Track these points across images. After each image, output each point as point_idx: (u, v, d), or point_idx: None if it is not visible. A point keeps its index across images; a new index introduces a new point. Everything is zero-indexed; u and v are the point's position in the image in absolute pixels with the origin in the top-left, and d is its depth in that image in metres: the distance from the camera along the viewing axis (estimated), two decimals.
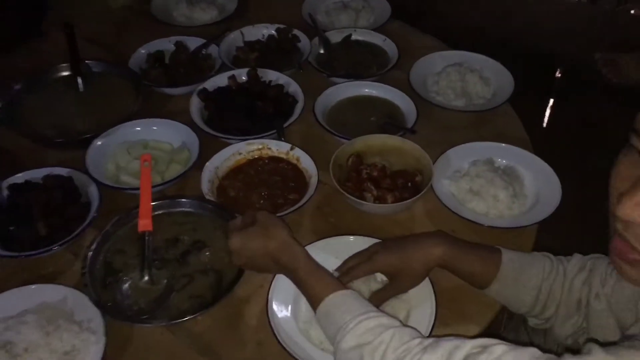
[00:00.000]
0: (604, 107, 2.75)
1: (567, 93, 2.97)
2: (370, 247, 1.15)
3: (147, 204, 1.18)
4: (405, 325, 0.92)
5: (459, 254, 1.07)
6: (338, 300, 0.95)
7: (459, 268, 1.09)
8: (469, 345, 0.80)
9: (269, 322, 1.08)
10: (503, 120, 1.57)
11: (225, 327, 1.13)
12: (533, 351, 0.75)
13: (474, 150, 1.41)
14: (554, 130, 2.76)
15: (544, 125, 2.83)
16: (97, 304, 1.09)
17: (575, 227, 2.11)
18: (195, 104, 1.54)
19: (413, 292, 1.10)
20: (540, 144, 1.50)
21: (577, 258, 1.07)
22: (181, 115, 1.52)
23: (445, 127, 1.54)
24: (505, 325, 1.30)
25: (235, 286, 1.13)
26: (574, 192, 1.33)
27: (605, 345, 0.72)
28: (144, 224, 1.15)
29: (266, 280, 1.19)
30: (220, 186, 1.37)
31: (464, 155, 1.41)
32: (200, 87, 1.56)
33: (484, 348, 0.79)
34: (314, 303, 0.98)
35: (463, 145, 1.42)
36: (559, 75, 3.09)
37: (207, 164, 1.37)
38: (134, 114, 1.52)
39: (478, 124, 1.56)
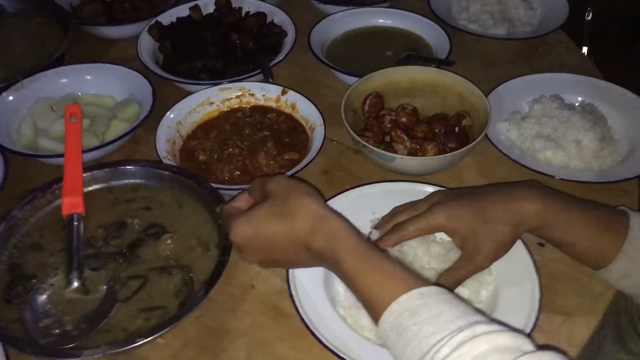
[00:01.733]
0: None
1: None
2: (429, 195, 0.80)
3: (75, 174, 0.85)
4: (541, 348, 0.52)
5: (563, 215, 0.73)
6: (417, 304, 0.58)
7: (561, 235, 0.75)
8: None
9: (298, 312, 0.73)
10: (559, 50, 1.21)
11: (200, 352, 0.75)
12: None
13: (533, 85, 1.05)
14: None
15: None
16: None
17: None
18: (145, 43, 1.17)
19: (502, 263, 0.76)
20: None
21: None
22: (128, 62, 1.15)
23: (485, 61, 1.19)
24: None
25: (213, 289, 0.74)
26: None
27: None
28: (71, 203, 0.82)
29: (259, 277, 0.81)
30: (184, 148, 0.98)
31: (520, 93, 1.05)
32: (152, 21, 1.16)
33: None
34: (374, 308, 0.61)
35: (517, 79, 1.06)
36: None
37: (165, 117, 0.98)
38: (59, 61, 1.12)
39: (527, 56, 1.21)
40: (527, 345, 0.51)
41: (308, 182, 0.77)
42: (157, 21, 1.17)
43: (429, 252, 0.77)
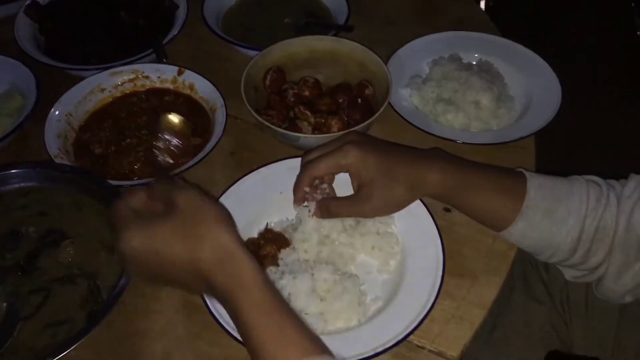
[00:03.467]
0: None
1: None
2: (344, 133, 0.81)
3: None
4: None
5: (465, 182, 0.77)
6: None
7: (464, 201, 0.79)
8: None
9: (207, 307, 0.72)
10: (458, 5, 1.21)
11: (115, 359, 0.73)
12: None
13: (432, 46, 1.06)
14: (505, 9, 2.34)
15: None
16: None
17: (576, 138, 1.76)
18: (22, 26, 1.08)
19: (408, 230, 0.80)
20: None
21: (635, 180, 0.75)
22: (5, 48, 1.05)
23: (385, 21, 1.18)
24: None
25: (123, 293, 0.72)
26: (572, 84, 0.99)
27: None
28: None
29: None
30: (78, 142, 0.92)
31: (420, 55, 1.05)
32: (28, 1, 1.06)
33: None
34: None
35: (416, 40, 1.06)
36: None
37: (52, 110, 0.91)
38: None
39: (426, 13, 1.20)
40: None
41: (221, 204, 0.72)
42: (33, 1, 1.07)
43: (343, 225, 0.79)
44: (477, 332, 0.75)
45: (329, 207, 0.78)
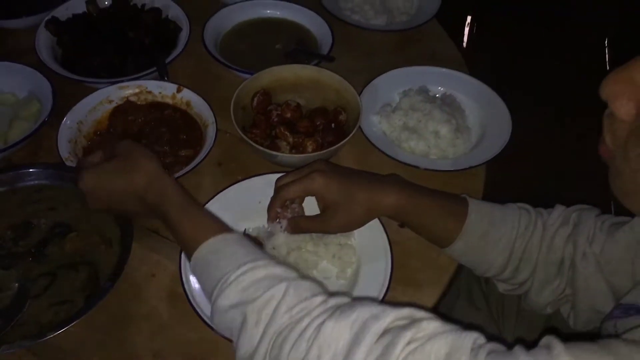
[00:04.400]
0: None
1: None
2: (313, 162, 0.92)
3: None
4: (303, 277, 0.71)
5: (415, 205, 0.87)
6: (219, 246, 0.74)
7: (414, 221, 0.90)
8: (391, 316, 0.60)
9: (186, 296, 0.84)
10: (432, 39, 1.34)
11: (107, 337, 0.85)
12: (475, 336, 0.57)
13: (404, 78, 1.18)
14: (480, 50, 2.56)
15: (464, 44, 2.62)
16: None
17: (526, 163, 1.97)
18: (43, 39, 1.19)
19: (365, 243, 0.93)
20: (472, 66, 1.27)
21: (559, 210, 0.87)
22: (26, 56, 1.18)
23: (366, 52, 1.30)
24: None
25: (118, 280, 0.85)
26: (521, 119, 1.12)
27: (578, 337, 0.56)
28: None
29: (159, 267, 0.92)
30: (87, 147, 1.04)
31: (392, 85, 1.17)
32: (49, 16, 1.19)
33: (412, 322, 0.59)
34: (189, 250, 0.76)
35: (390, 72, 1.18)
36: None
37: (66, 118, 1.03)
38: None
39: (404, 46, 1.32)
40: (291, 274, 0.70)
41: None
42: (53, 17, 1.19)
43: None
44: None
45: (299, 224, 0.90)
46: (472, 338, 0.57)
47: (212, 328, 0.79)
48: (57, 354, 0.82)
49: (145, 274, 0.92)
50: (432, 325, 0.59)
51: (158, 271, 0.92)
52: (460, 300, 1.08)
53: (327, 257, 0.92)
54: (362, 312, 0.61)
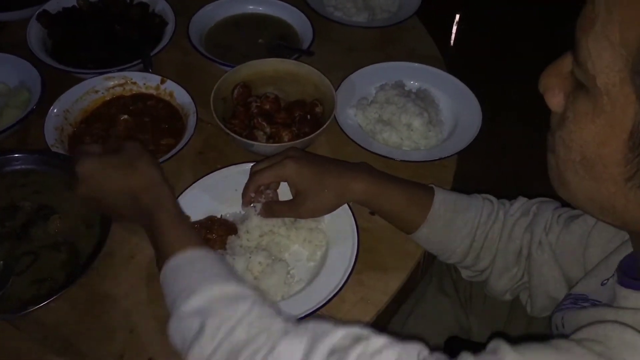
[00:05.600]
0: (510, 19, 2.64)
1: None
2: (286, 149, 0.96)
3: None
4: (269, 301, 0.73)
5: (383, 192, 0.91)
6: (196, 257, 0.75)
7: (381, 207, 0.94)
8: (339, 334, 0.63)
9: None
10: (411, 36, 1.38)
11: (86, 313, 0.90)
12: (419, 348, 0.61)
13: (381, 73, 1.22)
14: (463, 48, 2.61)
15: (452, 42, 2.67)
16: None
17: (494, 154, 2.02)
18: (34, 31, 1.24)
19: (335, 228, 0.96)
20: (451, 62, 1.32)
21: (520, 201, 0.91)
22: (18, 49, 1.22)
23: (346, 48, 1.34)
24: (422, 275, 1.14)
25: (95, 261, 0.89)
26: (492, 114, 1.16)
27: (527, 339, 0.58)
28: None
29: (138, 249, 0.97)
30: (73, 134, 1.09)
31: (370, 79, 1.21)
32: (40, 9, 1.23)
33: (358, 339, 0.63)
34: (166, 255, 0.76)
35: (368, 67, 1.22)
36: None
37: (53, 106, 1.08)
38: None
39: (384, 42, 1.36)
40: (258, 296, 0.72)
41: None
42: (44, 10, 1.24)
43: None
44: (382, 313, 0.92)
45: (272, 208, 0.94)
46: (417, 349, 0.60)
47: None
48: (38, 328, 0.87)
49: (125, 255, 0.96)
50: (380, 340, 0.62)
51: (137, 253, 0.96)
52: (431, 286, 1.12)
53: (298, 241, 0.96)
54: (315, 329, 0.65)
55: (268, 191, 0.96)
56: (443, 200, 0.91)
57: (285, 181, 0.95)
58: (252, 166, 0.97)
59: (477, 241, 0.90)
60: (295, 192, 0.94)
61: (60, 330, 0.87)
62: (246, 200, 0.95)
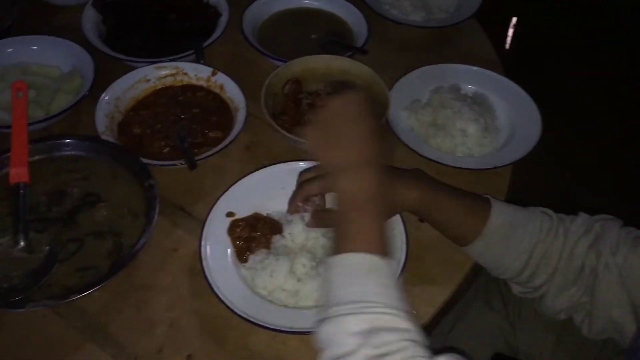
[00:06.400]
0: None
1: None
2: None
3: (21, 146, 0.96)
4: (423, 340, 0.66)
5: (437, 202, 0.87)
6: (379, 267, 0.68)
7: (435, 217, 0.90)
8: None
9: (204, 272, 0.86)
10: (469, 38, 1.34)
11: (126, 304, 0.89)
12: None
13: (437, 75, 1.18)
14: (521, 52, 2.53)
15: (509, 46, 2.59)
16: None
17: (554, 167, 1.95)
18: (89, 16, 1.24)
19: None
20: (509, 67, 1.27)
21: (582, 218, 0.86)
22: (72, 32, 1.22)
23: (401, 47, 1.30)
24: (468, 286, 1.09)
25: (140, 252, 0.88)
26: (551, 123, 1.11)
27: None
28: (18, 173, 0.93)
29: (182, 242, 0.96)
30: (122, 122, 1.08)
31: (424, 81, 1.17)
32: None
33: None
34: (346, 243, 0.70)
35: (423, 68, 1.18)
36: None
37: (104, 94, 1.07)
38: (8, 29, 1.20)
39: (439, 43, 1.32)
40: (419, 336, 0.64)
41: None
42: None
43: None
44: (426, 326, 0.89)
45: (322, 218, 0.90)
46: None
47: (224, 303, 0.82)
48: (79, 316, 0.87)
49: (168, 248, 0.95)
50: None
51: (180, 246, 0.95)
52: (477, 300, 1.08)
53: None
54: None
55: (315, 198, 0.94)
56: (500, 213, 0.87)
57: (334, 192, 0.91)
58: (300, 173, 0.94)
59: (534, 257, 0.85)
60: None
61: (101, 320, 0.87)
62: (293, 209, 0.93)
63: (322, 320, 0.66)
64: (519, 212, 0.88)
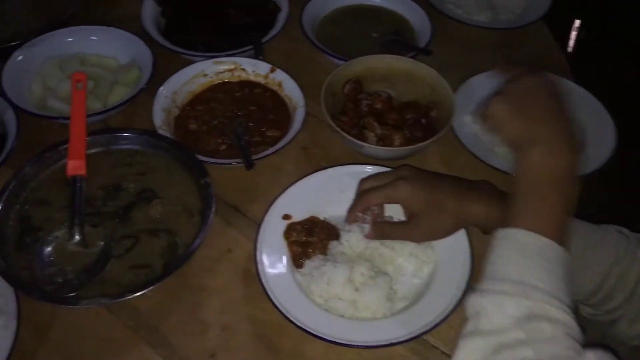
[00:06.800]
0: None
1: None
2: (397, 168, 0.89)
3: (79, 139, 0.95)
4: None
5: (505, 219, 0.81)
6: (554, 250, 0.66)
7: None
8: None
9: (259, 276, 0.84)
10: (536, 41, 1.28)
11: (179, 305, 0.87)
12: None
13: (504, 78, 1.11)
14: (591, 58, 2.42)
15: (578, 51, 2.47)
16: (7, 274, 0.82)
17: (620, 178, 1.84)
18: (148, 8, 1.23)
19: (444, 243, 0.88)
20: (579, 73, 1.20)
21: None
22: (131, 24, 1.21)
23: (465, 48, 1.25)
24: None
25: (195, 251, 0.86)
26: (625, 134, 1.05)
27: None
28: (75, 165, 0.92)
29: (236, 243, 0.93)
30: (179, 117, 1.06)
31: (491, 84, 1.09)
32: None
33: None
34: (528, 215, 0.69)
35: (490, 71, 1.11)
36: None
37: (162, 87, 1.06)
38: (68, 19, 1.19)
39: (505, 45, 1.27)
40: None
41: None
42: None
43: None
44: None
45: (383, 230, 0.88)
46: None
47: (278, 309, 0.79)
48: (132, 315, 0.85)
49: (222, 248, 0.93)
50: None
51: (234, 247, 0.93)
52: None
53: (403, 255, 0.89)
54: None
55: (374, 208, 0.90)
56: (574, 232, 0.82)
57: (397, 203, 0.88)
58: (360, 181, 0.91)
59: (609, 280, 0.80)
60: (409, 215, 0.87)
61: (153, 320, 0.85)
62: (352, 219, 0.90)
63: (476, 290, 0.65)
64: (593, 230, 0.83)
